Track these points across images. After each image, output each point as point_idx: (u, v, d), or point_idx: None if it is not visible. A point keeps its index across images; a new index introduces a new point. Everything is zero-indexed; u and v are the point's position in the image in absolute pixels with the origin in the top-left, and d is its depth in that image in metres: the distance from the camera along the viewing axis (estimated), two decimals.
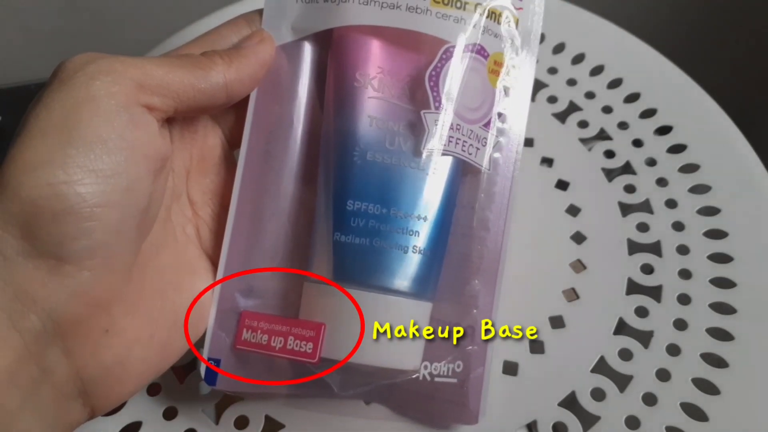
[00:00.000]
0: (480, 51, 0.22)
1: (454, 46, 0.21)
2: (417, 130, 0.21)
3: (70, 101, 0.17)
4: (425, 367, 0.23)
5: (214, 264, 0.23)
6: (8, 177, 0.16)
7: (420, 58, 0.22)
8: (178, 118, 0.22)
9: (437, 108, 0.21)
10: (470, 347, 0.23)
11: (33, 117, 0.17)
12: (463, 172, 0.23)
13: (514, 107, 0.24)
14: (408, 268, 0.21)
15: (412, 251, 0.21)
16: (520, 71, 0.24)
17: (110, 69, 0.18)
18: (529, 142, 0.33)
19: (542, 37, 0.37)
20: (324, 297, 0.21)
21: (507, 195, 0.24)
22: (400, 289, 0.21)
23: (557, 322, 0.27)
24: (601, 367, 0.26)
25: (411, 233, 0.21)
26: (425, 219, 0.21)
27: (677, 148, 0.32)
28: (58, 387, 0.17)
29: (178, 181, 0.22)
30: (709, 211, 0.30)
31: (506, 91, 0.23)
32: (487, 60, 0.22)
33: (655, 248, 0.29)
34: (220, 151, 0.23)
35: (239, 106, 0.23)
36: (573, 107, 0.34)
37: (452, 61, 0.21)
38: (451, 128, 0.21)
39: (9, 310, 0.16)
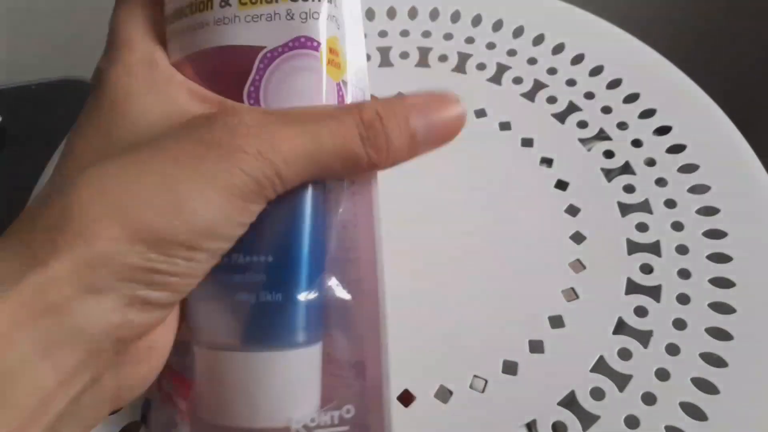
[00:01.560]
0: (305, 44, 0.18)
1: (270, 50, 0.18)
2: None
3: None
4: (297, 421, 0.19)
5: None
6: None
7: (241, 76, 0.18)
8: None
9: None
10: (362, 386, 0.20)
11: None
12: (329, 189, 0.20)
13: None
14: (264, 318, 0.18)
15: (261, 298, 0.18)
16: (350, 54, 0.20)
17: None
18: (528, 142, 0.33)
19: (542, 38, 0.37)
20: (196, 358, 0.19)
21: (370, 205, 0.20)
22: (259, 342, 0.18)
23: (557, 322, 0.28)
24: (601, 366, 0.26)
25: (254, 279, 0.18)
26: (269, 260, 0.18)
27: (676, 148, 0.32)
28: (100, 395, 0.18)
29: None
30: (708, 211, 0.30)
31: (345, 83, 0.19)
32: (320, 51, 0.18)
33: (655, 248, 0.29)
34: None
35: None
36: (572, 107, 0.34)
37: (271, 67, 0.18)
38: None
39: (68, 336, 0.16)
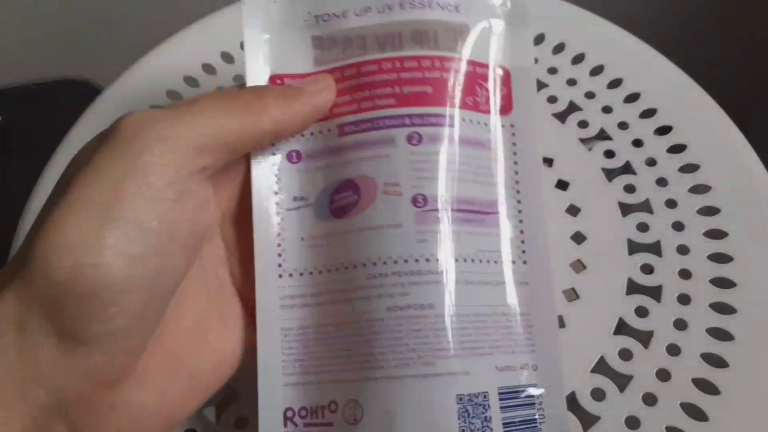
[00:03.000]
0: None
1: None
2: None
3: (117, 173, 0.16)
4: None
5: (247, 307, 0.22)
6: (37, 253, 0.16)
7: None
8: None
9: None
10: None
11: (78, 183, 0.17)
12: None
13: None
14: None
15: None
16: None
17: (166, 136, 0.17)
18: None
19: (542, 37, 0.37)
20: None
21: None
22: None
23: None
24: (601, 366, 0.26)
25: None
26: None
27: (677, 148, 0.32)
28: None
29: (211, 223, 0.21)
30: (709, 211, 0.30)
31: None
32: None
33: (655, 248, 0.29)
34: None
35: None
36: (573, 107, 0.34)
37: None
38: None
39: (21, 384, 0.16)
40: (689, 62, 0.36)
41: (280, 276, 0.21)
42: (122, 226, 0.16)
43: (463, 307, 0.20)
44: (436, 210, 0.20)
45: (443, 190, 0.21)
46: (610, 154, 0.32)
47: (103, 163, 0.17)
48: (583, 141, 0.33)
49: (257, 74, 0.22)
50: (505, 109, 0.22)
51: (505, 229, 0.22)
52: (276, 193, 0.22)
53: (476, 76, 0.22)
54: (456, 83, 0.21)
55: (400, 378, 0.20)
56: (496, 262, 0.21)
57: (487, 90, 0.22)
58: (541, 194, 0.22)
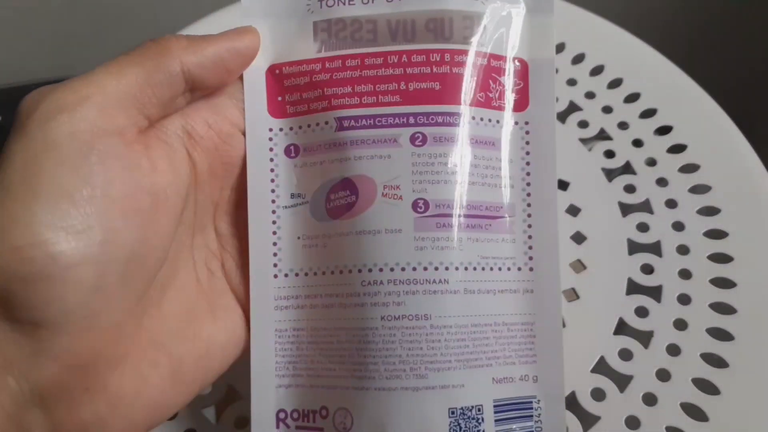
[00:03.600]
0: None
1: None
2: None
3: (29, 152, 0.16)
4: None
5: (241, 304, 0.21)
6: None
7: None
8: (209, 147, 0.20)
9: None
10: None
11: None
12: None
13: None
14: None
15: None
16: None
17: (64, 104, 0.17)
18: None
19: None
20: None
21: None
22: None
23: None
24: (601, 367, 0.26)
25: None
26: None
27: (677, 148, 0.32)
28: None
29: (202, 212, 0.21)
30: (709, 211, 0.30)
31: None
32: None
33: (656, 248, 0.29)
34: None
35: None
36: (573, 107, 0.34)
37: None
38: None
39: None
40: (689, 62, 0.35)
41: (276, 276, 0.21)
42: (51, 200, 0.16)
43: (461, 317, 0.20)
44: (438, 216, 0.20)
45: (446, 195, 0.20)
46: (610, 154, 0.32)
47: (13, 146, 0.16)
48: (583, 141, 0.33)
49: (256, 65, 0.21)
50: (520, 104, 0.21)
51: (512, 234, 0.21)
52: (273, 189, 0.21)
53: (490, 69, 0.21)
54: (467, 78, 0.20)
55: (391, 390, 0.19)
56: (500, 269, 0.21)
57: (501, 84, 0.21)
58: (554, 196, 0.21)
